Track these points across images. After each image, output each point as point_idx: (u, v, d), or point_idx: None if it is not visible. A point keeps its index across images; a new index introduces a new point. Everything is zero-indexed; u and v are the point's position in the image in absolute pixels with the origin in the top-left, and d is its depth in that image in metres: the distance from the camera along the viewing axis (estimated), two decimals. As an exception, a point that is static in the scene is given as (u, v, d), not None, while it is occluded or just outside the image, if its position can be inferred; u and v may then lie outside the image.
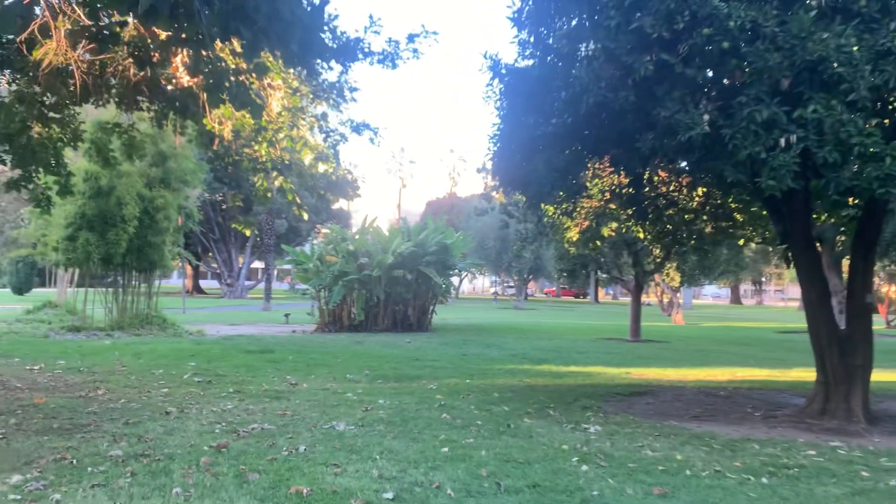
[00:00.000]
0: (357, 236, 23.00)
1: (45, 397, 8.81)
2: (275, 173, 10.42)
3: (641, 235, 11.92)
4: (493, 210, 32.43)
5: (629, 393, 10.82)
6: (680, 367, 14.50)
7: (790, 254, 9.60)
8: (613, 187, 11.34)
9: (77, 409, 8.08)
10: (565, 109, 8.03)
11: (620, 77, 7.34)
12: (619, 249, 20.36)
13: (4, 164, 11.38)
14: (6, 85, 10.96)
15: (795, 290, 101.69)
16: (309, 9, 5.27)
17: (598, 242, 15.47)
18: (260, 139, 10.02)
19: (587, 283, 62.66)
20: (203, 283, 65.41)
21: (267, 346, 15.50)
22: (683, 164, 9.52)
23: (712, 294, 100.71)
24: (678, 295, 37.02)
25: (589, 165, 9.08)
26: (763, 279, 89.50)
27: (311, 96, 10.31)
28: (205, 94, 6.41)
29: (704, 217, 13.07)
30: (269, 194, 11.01)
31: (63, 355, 12.78)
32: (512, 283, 73.19)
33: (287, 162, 9.91)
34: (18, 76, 10.44)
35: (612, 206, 11.93)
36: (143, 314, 18.67)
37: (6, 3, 9.08)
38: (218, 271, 55.71)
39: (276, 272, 76.45)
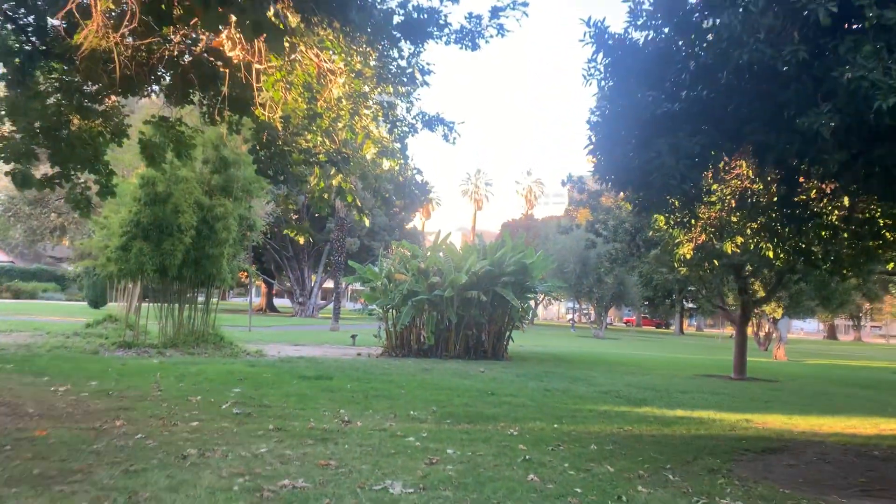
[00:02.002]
0: (428, 254, 21.30)
1: (51, 428, 7.38)
2: (333, 170, 8.84)
3: (771, 254, 9.67)
4: (578, 228, 30.07)
5: (760, 449, 8.64)
6: (807, 415, 12.08)
7: None
8: (738, 192, 9.27)
9: (78, 447, 6.58)
10: (699, 80, 6.11)
11: (784, 26, 5.38)
12: (725, 274, 17.84)
13: (38, 161, 10.23)
14: (44, 74, 9.84)
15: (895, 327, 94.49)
16: None
17: (716, 261, 13.15)
18: (314, 127, 8.44)
19: (671, 312, 59.13)
20: (277, 302, 65.16)
21: (326, 371, 13.90)
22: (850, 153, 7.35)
23: (803, 329, 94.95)
24: (777, 328, 33.77)
25: (724, 157, 7.07)
26: (860, 314, 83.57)
27: (376, 80, 8.66)
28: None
29: (845, 235, 10.73)
30: (325, 195, 9.46)
31: (100, 375, 11.49)
32: (590, 310, 70.27)
33: (346, 154, 8.32)
34: (56, 64, 9.34)
35: (734, 217, 9.79)
36: (198, 331, 17.39)
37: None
38: (291, 289, 55.08)
39: (349, 292, 76.05)
